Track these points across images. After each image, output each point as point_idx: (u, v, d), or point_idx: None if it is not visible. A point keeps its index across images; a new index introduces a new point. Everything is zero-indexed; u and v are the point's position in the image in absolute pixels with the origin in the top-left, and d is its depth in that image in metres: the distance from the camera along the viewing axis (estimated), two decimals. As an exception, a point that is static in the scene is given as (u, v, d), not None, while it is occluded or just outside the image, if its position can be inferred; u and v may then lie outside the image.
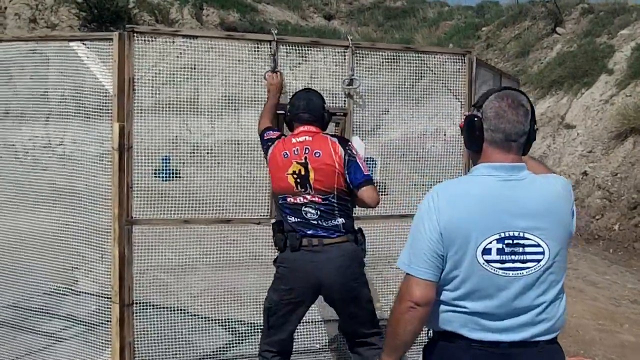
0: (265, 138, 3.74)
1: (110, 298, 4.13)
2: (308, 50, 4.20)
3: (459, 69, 4.55)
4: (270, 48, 4.10)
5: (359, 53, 4.28)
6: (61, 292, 4.85)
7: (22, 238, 4.63)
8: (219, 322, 4.32)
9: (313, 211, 3.51)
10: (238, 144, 4.13)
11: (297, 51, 4.17)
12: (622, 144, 11.56)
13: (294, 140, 3.61)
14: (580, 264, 8.75)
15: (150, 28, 4.41)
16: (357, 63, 4.28)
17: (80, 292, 4.92)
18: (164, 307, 4.25)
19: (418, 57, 4.45)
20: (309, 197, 3.51)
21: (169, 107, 4.06)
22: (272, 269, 3.91)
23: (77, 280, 4.93)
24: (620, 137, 11.73)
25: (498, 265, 2.15)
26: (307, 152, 3.55)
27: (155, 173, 4.27)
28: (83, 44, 4.05)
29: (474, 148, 2.26)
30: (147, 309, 4.15)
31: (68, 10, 16.54)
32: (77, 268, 4.81)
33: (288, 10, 24.19)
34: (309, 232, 3.51)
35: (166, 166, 4.61)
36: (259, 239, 4.26)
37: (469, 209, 2.15)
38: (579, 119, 13.22)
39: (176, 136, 4.11)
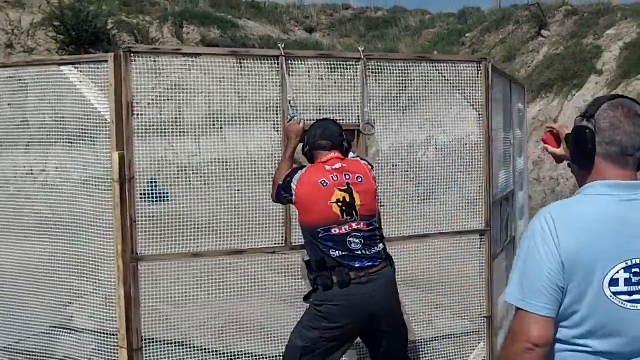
0: (282, 182, 3.47)
1: (112, 335, 3.81)
2: (317, 63, 3.92)
3: (474, 77, 4.30)
4: (278, 63, 3.82)
5: (371, 66, 4.02)
6: (55, 331, 4.52)
7: (11, 272, 4.30)
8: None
9: (357, 240, 3.31)
10: (253, 164, 3.84)
11: (306, 65, 3.89)
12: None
13: (328, 168, 3.39)
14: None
15: (148, 47, 4.10)
16: (369, 75, 4.02)
17: (76, 329, 4.59)
18: (176, 347, 3.92)
19: (433, 66, 4.20)
20: (354, 224, 3.33)
21: (171, 131, 3.76)
22: (293, 302, 3.63)
23: (72, 317, 4.60)
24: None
25: (626, 297, 1.86)
26: (347, 177, 3.38)
27: (142, 197, 3.99)
28: (75, 67, 3.74)
29: (585, 164, 1.98)
30: (157, 351, 3.82)
31: (45, 34, 16.15)
32: (70, 303, 4.49)
33: (269, 25, 23.93)
34: (356, 265, 3.30)
35: (154, 189, 4.30)
36: (275, 269, 3.97)
37: (590, 234, 1.87)
38: (572, 121, 13.05)
39: (180, 162, 3.80)
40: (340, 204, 3.30)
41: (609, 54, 13.83)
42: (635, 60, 12.70)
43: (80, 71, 3.71)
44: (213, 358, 3.93)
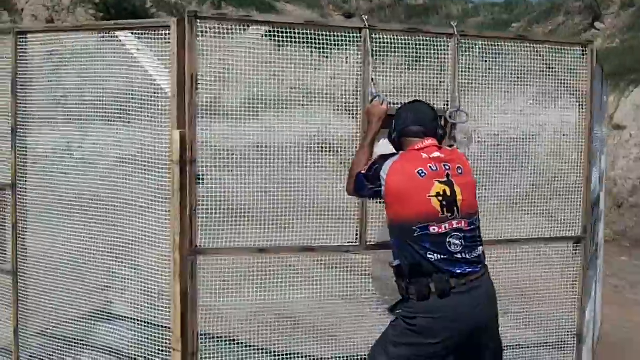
0: (364, 172, 3.00)
1: (157, 326, 3.41)
2: (404, 39, 3.44)
3: (578, 62, 3.78)
4: (360, 37, 3.35)
5: (464, 43, 3.53)
6: (94, 317, 4.15)
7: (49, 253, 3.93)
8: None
9: (457, 242, 2.84)
10: (327, 151, 3.38)
11: (390, 41, 3.41)
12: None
13: (424, 156, 2.90)
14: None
15: (215, 13, 3.65)
16: (461, 54, 3.53)
17: (116, 316, 4.21)
18: (235, 351, 3.49)
19: (532, 47, 3.69)
20: (455, 223, 2.85)
21: (238, 110, 3.31)
22: (366, 308, 3.18)
23: (110, 302, 4.22)
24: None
25: None
26: (447, 168, 2.90)
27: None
28: (132, 33, 3.31)
29: None
30: (215, 355, 3.40)
31: (85, 11, 15.89)
32: (108, 287, 4.11)
33: (307, 9, 23.47)
34: (457, 271, 2.83)
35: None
36: (347, 270, 3.51)
37: None
38: (630, 118, 12.41)
39: (247, 146, 3.35)
40: (440, 198, 2.83)
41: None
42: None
43: (138, 38, 3.28)
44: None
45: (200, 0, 19.60)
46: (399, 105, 3.23)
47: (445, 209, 2.82)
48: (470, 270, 2.84)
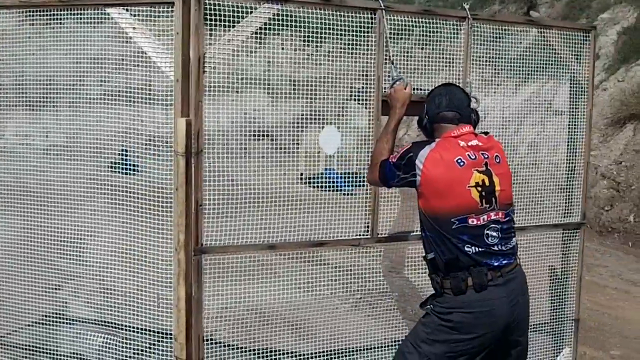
0: (393, 160, 2.81)
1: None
2: (418, 21, 3.27)
3: (581, 47, 3.73)
4: (374, 18, 3.16)
5: (477, 26, 3.40)
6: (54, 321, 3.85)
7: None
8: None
9: (495, 234, 2.70)
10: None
11: (404, 22, 3.24)
12: (621, 131, 11.12)
13: (462, 144, 2.73)
14: (607, 260, 8.19)
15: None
16: (474, 37, 3.40)
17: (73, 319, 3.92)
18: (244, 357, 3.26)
19: (540, 32, 3.61)
20: (493, 214, 2.71)
21: (246, 94, 3.06)
22: (388, 305, 3.04)
23: (66, 304, 3.92)
24: (618, 123, 11.29)
25: None
26: (485, 157, 2.74)
27: (111, 167, 3.49)
28: (126, 10, 2.99)
29: None
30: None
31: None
32: (59, 287, 3.81)
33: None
34: (495, 264, 2.69)
35: (125, 160, 3.64)
36: (359, 265, 3.34)
37: None
38: (566, 105, 12.75)
39: (252, 133, 3.11)
40: (479, 189, 2.68)
41: (605, 38, 13.51)
42: (635, 45, 12.40)
43: (134, 15, 2.96)
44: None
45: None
46: (421, 90, 3.06)
47: (484, 200, 2.68)
48: (506, 262, 2.72)
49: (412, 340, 2.77)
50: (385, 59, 3.16)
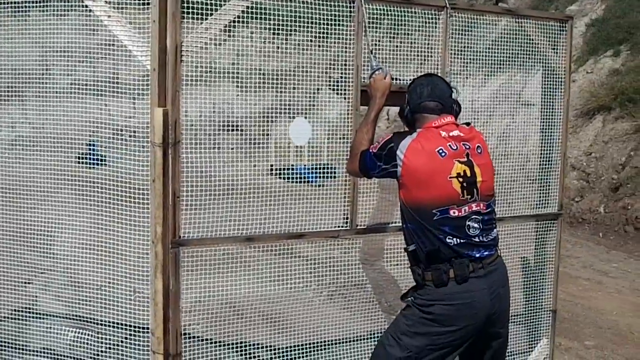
0: (374, 150, 2.77)
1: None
2: (397, 11, 3.24)
3: (558, 37, 3.75)
4: (352, 7, 3.12)
5: (456, 16, 3.39)
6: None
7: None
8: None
9: (476, 225, 2.69)
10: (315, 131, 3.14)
11: (383, 12, 3.21)
12: (590, 122, 11.27)
13: (444, 134, 2.71)
14: (578, 251, 8.31)
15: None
16: (451, 26, 3.39)
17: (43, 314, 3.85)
18: (223, 350, 3.21)
19: (517, 23, 3.61)
20: (474, 205, 2.69)
21: (222, 84, 3.00)
22: (363, 298, 3.01)
23: (36, 298, 3.84)
24: (587, 115, 11.44)
25: None
26: (467, 147, 2.72)
27: (79, 160, 3.41)
28: (100, -3, 2.91)
29: None
30: (200, 355, 3.11)
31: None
32: (30, 281, 3.74)
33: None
34: (476, 255, 2.68)
35: (93, 152, 3.59)
36: (338, 257, 3.31)
37: None
38: (538, 96, 12.88)
39: (230, 124, 3.06)
40: (460, 180, 2.66)
41: (574, 30, 13.69)
42: (603, 38, 12.58)
43: (109, 2, 2.88)
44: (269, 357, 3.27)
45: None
46: (399, 79, 3.04)
47: (465, 191, 2.66)
48: (487, 253, 2.72)
49: (392, 333, 2.75)
50: (364, 49, 3.13)
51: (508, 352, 3.90)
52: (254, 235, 3.08)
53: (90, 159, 3.53)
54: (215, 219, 3.01)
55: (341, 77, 3.16)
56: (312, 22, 3.07)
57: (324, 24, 3.06)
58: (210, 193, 3.02)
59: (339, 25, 3.12)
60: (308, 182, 3.45)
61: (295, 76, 3.14)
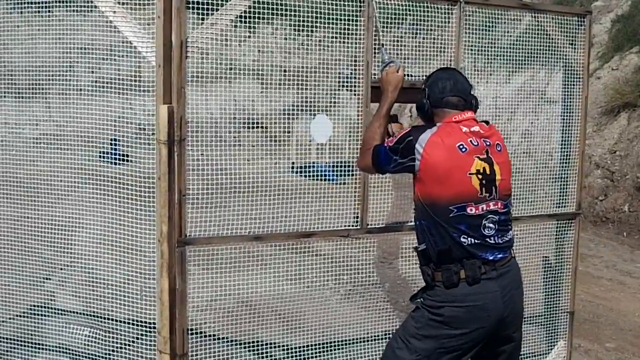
0: (390, 144, 2.69)
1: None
2: (408, 5, 3.17)
3: (577, 33, 3.64)
4: (362, 2, 3.06)
5: (469, 11, 3.31)
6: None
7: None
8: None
9: (492, 225, 2.61)
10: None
11: (394, 7, 3.14)
12: (615, 120, 11.05)
13: (465, 129, 2.63)
14: (601, 250, 8.14)
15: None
16: (466, 21, 3.31)
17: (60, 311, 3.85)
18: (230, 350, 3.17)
19: (534, 17, 3.52)
20: (492, 204, 2.62)
21: (228, 81, 2.96)
22: (372, 294, 2.96)
23: (53, 295, 3.84)
24: (612, 112, 11.22)
25: None
26: (487, 144, 2.65)
27: (100, 156, 3.43)
28: (106, -6, 2.88)
29: None
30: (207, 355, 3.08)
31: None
32: (49, 278, 3.74)
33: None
34: (489, 258, 2.60)
35: (115, 150, 3.56)
36: (347, 256, 3.25)
37: None
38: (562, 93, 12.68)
39: (238, 121, 3.02)
40: (480, 177, 2.58)
41: (599, 26, 13.43)
42: (629, 34, 12.32)
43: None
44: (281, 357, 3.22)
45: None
46: (412, 76, 2.97)
47: (484, 189, 2.59)
48: (500, 256, 2.64)
49: (401, 335, 2.68)
50: (375, 44, 3.06)
51: (526, 354, 3.83)
52: (262, 234, 3.03)
53: (112, 156, 3.52)
54: (222, 218, 2.98)
55: (352, 73, 3.10)
56: (326, 19, 3.02)
57: (334, 21, 3.00)
58: (217, 191, 2.98)
59: (349, 21, 3.06)
60: (328, 180, 3.40)
61: (311, 74, 3.09)
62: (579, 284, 6.59)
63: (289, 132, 3.12)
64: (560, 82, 3.74)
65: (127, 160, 3.47)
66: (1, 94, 3.45)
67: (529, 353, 3.86)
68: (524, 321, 3.86)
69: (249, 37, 3.00)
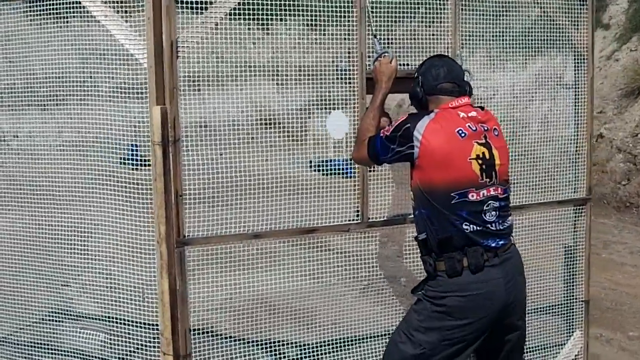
0: (386, 134, 2.65)
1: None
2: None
3: (579, 12, 3.56)
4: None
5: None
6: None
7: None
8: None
9: (493, 212, 2.59)
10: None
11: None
12: (635, 102, 10.83)
13: (462, 115, 2.61)
14: (625, 237, 7.98)
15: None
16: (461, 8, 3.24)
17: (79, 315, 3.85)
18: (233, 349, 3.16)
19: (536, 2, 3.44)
20: (492, 189, 2.59)
21: (221, 81, 2.94)
22: (377, 293, 2.92)
23: (71, 299, 3.84)
24: (632, 95, 11.00)
25: None
26: (485, 129, 2.62)
27: (122, 162, 3.33)
28: (96, -3, 2.87)
29: None
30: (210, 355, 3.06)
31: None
32: (67, 283, 3.74)
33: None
34: (492, 245, 2.56)
35: (134, 154, 3.56)
36: (348, 252, 3.22)
37: None
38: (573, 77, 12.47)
39: (234, 121, 3.00)
40: (480, 162, 2.55)
41: (615, 7, 13.18)
42: (647, 14, 12.07)
43: (105, 1, 2.85)
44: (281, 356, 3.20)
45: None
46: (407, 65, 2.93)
47: (484, 174, 2.56)
48: (502, 242, 2.60)
49: (404, 329, 2.64)
50: (368, 34, 3.02)
51: (542, 345, 3.76)
52: (261, 232, 3.01)
53: (132, 161, 3.53)
54: (221, 216, 2.96)
55: (346, 66, 3.06)
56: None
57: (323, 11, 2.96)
58: (215, 190, 2.97)
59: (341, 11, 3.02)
60: (346, 175, 3.37)
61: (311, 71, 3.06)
62: (602, 272, 6.48)
63: (285, 128, 3.08)
64: (572, 66, 3.67)
65: (147, 165, 3.48)
66: (23, 105, 3.47)
67: (547, 344, 3.78)
68: (541, 310, 3.80)
69: (247, 34, 2.97)
